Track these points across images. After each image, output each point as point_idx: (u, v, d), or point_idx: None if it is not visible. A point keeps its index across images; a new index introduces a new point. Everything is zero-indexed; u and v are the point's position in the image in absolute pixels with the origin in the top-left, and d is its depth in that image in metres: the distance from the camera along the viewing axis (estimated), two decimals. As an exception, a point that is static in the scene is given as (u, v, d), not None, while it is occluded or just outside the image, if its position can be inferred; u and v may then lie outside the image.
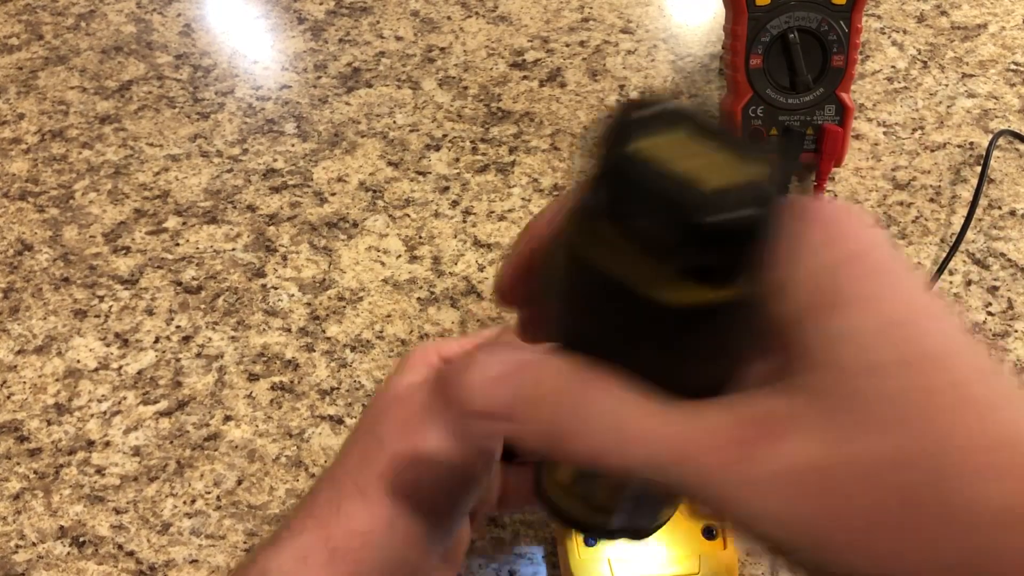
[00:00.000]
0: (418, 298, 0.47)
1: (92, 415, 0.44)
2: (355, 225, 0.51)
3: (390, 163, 0.54)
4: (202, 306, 0.48)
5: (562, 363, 0.18)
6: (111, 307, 0.48)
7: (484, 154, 0.54)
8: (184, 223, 0.52)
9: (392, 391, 0.31)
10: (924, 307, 0.16)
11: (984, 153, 0.50)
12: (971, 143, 0.52)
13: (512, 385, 0.18)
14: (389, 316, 0.47)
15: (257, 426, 0.43)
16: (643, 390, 0.17)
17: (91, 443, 0.43)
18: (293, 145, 0.56)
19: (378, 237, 0.50)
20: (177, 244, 0.51)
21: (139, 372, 0.45)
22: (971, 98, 0.54)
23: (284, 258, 0.50)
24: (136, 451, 0.42)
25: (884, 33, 0.59)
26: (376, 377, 0.44)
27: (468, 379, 0.19)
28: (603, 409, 0.17)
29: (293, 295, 0.48)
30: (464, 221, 0.51)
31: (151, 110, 0.59)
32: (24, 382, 0.45)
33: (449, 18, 0.64)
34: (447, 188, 0.52)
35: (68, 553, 0.39)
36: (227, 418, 0.43)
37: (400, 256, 0.49)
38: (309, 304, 0.47)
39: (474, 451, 0.29)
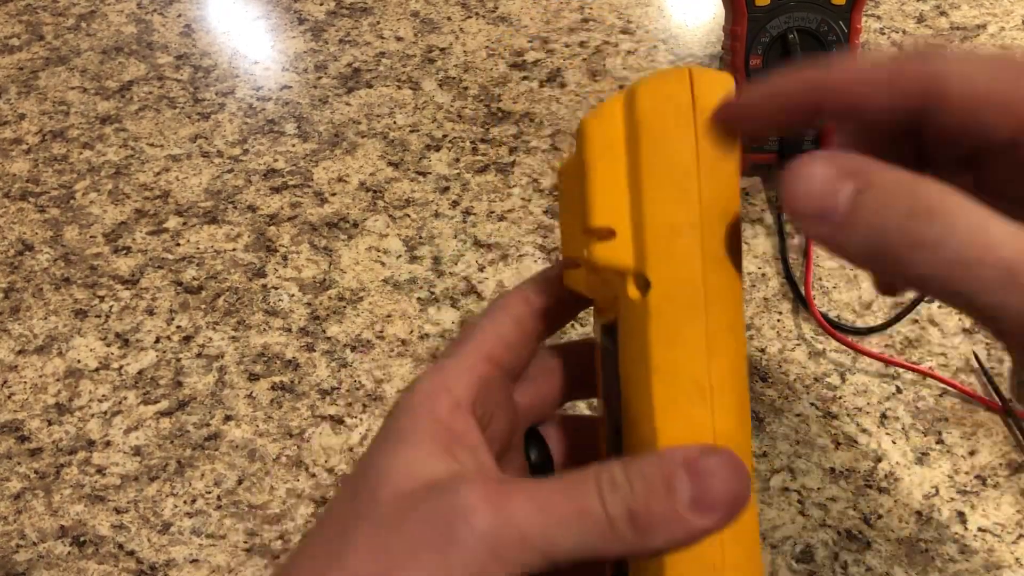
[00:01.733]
0: (418, 298, 0.47)
1: (93, 415, 0.44)
2: (355, 225, 0.51)
3: (390, 163, 0.54)
4: (203, 306, 0.48)
5: (902, 172, 0.17)
6: (112, 307, 0.48)
7: (484, 154, 0.54)
8: (185, 223, 0.52)
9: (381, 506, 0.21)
10: None
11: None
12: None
13: (853, 183, 0.17)
14: (389, 316, 0.47)
15: (257, 426, 0.43)
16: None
17: (92, 443, 0.43)
18: (293, 145, 0.56)
19: (378, 237, 0.50)
20: (178, 244, 0.51)
21: (140, 372, 0.45)
22: (971, 98, 0.54)
23: (284, 258, 0.50)
24: (137, 451, 0.42)
25: (883, 33, 0.59)
26: (376, 377, 0.44)
27: (799, 179, 0.18)
28: (965, 221, 0.16)
29: (293, 295, 0.48)
30: (464, 221, 0.51)
31: (152, 110, 0.59)
32: (25, 382, 0.45)
33: (449, 19, 0.64)
34: (447, 188, 0.52)
35: (69, 553, 0.39)
36: (227, 418, 0.43)
37: (400, 256, 0.49)
38: (309, 304, 0.47)
39: None
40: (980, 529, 0.37)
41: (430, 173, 0.53)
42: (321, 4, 0.66)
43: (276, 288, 0.48)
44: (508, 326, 0.25)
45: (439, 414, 0.22)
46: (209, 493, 0.41)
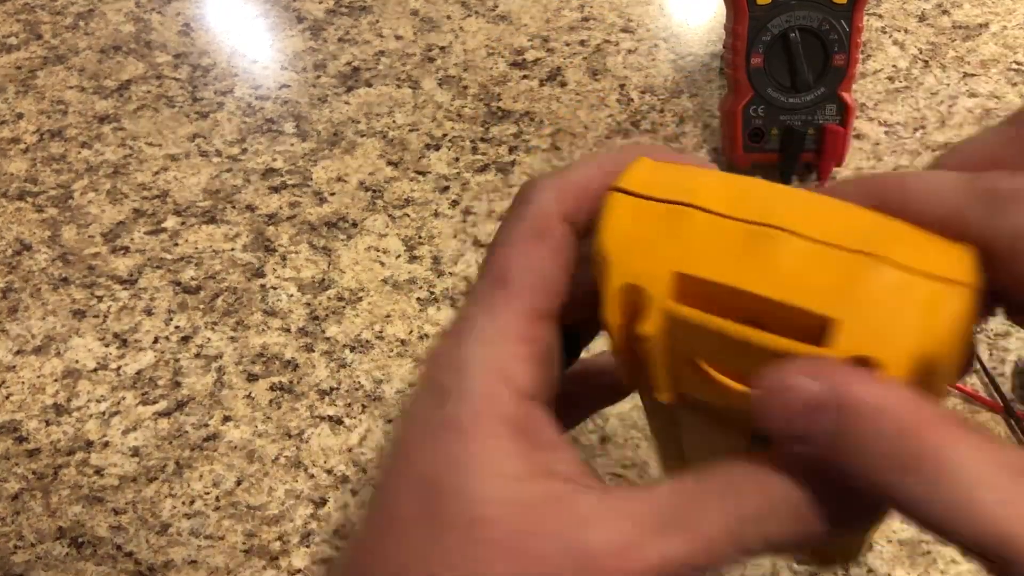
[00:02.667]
0: (418, 298, 0.47)
1: (91, 415, 0.44)
2: (355, 225, 0.51)
3: (390, 163, 0.54)
4: (201, 306, 0.48)
5: (903, 392, 0.15)
6: (110, 307, 0.48)
7: (484, 154, 0.54)
8: (183, 223, 0.52)
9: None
10: None
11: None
12: (972, 143, 0.52)
13: (835, 410, 0.15)
14: (389, 316, 0.46)
15: (256, 426, 0.43)
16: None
17: (90, 443, 0.43)
18: (292, 145, 0.56)
19: (378, 237, 0.50)
20: (176, 244, 0.51)
21: (138, 372, 0.45)
22: (972, 98, 0.54)
23: (283, 258, 0.50)
24: (135, 451, 0.42)
25: (885, 32, 0.59)
26: (376, 377, 0.44)
27: (774, 402, 0.16)
28: (953, 479, 0.15)
29: (292, 295, 0.48)
30: (464, 221, 0.50)
31: (150, 109, 0.59)
32: (23, 382, 0.45)
33: (449, 17, 0.64)
34: (447, 188, 0.52)
35: (67, 554, 0.39)
36: (226, 418, 0.43)
37: (400, 256, 0.49)
38: (308, 304, 0.47)
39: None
40: (982, 530, 0.37)
41: (430, 172, 0.53)
42: (320, 3, 0.66)
43: (275, 288, 0.48)
44: (548, 260, 0.20)
45: (505, 411, 0.18)
46: (208, 494, 0.40)
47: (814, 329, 0.17)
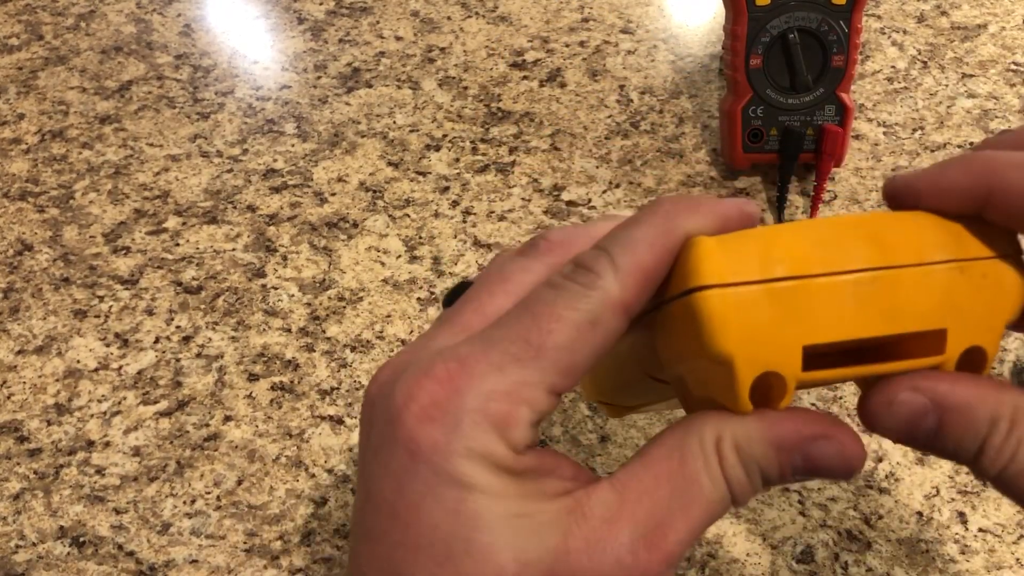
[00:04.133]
0: (418, 298, 0.47)
1: (92, 415, 0.44)
2: (355, 225, 0.51)
3: (390, 163, 0.54)
4: (202, 306, 0.48)
5: (980, 388, 0.19)
6: (111, 307, 0.48)
7: (484, 154, 0.54)
8: (184, 223, 0.52)
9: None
10: None
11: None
12: (971, 143, 0.52)
13: (934, 416, 0.19)
14: (389, 316, 0.47)
15: (257, 426, 0.43)
16: None
17: (91, 443, 0.43)
18: (293, 145, 0.56)
19: (378, 237, 0.50)
20: (177, 244, 0.51)
21: (139, 372, 0.45)
22: (971, 98, 0.54)
23: (284, 258, 0.50)
24: (136, 451, 0.42)
25: (884, 33, 0.59)
26: (376, 377, 0.44)
27: (886, 415, 0.19)
28: None
29: (293, 295, 0.48)
30: (464, 221, 0.51)
31: (151, 110, 0.59)
32: (24, 382, 0.45)
33: (449, 18, 0.64)
34: (447, 188, 0.52)
35: (68, 553, 0.39)
36: (227, 418, 0.43)
37: (400, 256, 0.49)
38: (309, 304, 0.47)
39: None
40: (980, 530, 0.37)
41: (430, 173, 0.53)
42: (321, 3, 0.66)
43: (276, 288, 0.48)
44: (594, 350, 0.19)
45: (502, 464, 0.18)
46: (209, 493, 0.41)
47: (925, 340, 0.19)
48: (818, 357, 0.19)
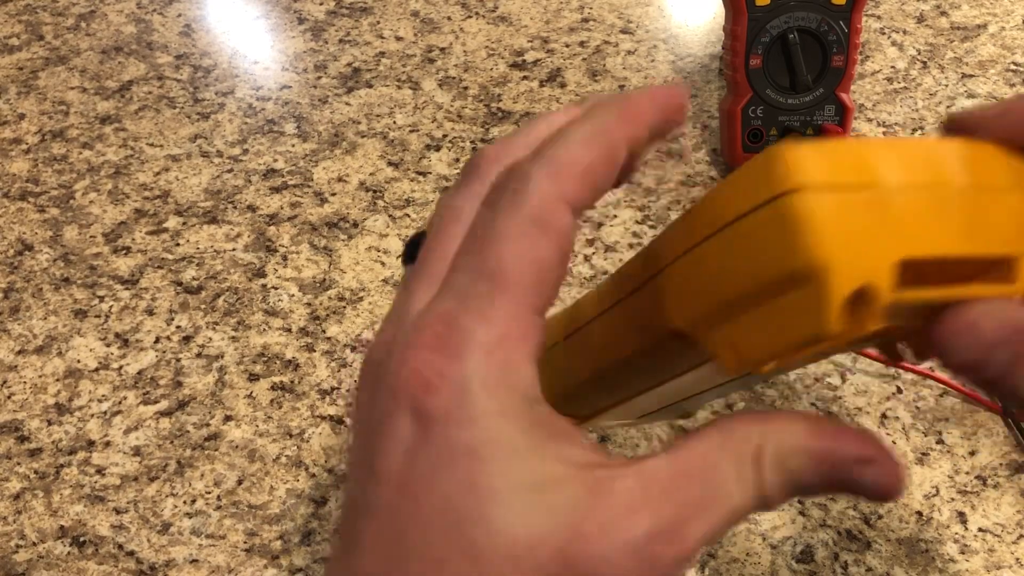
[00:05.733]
0: (418, 298, 0.47)
1: (92, 415, 0.44)
2: (355, 225, 0.51)
3: (390, 163, 0.54)
4: (202, 306, 0.48)
5: None
6: (111, 307, 0.48)
7: (484, 154, 0.54)
8: (184, 223, 0.52)
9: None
10: None
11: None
12: (971, 143, 0.52)
13: (1009, 349, 0.17)
14: (389, 316, 0.47)
15: (257, 426, 0.43)
16: None
17: (91, 443, 0.43)
18: (293, 145, 0.56)
19: (378, 237, 0.50)
20: (177, 244, 0.51)
21: (139, 372, 0.45)
22: (971, 98, 0.54)
23: (284, 258, 0.50)
24: (136, 451, 0.42)
25: (884, 33, 0.59)
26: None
27: (959, 341, 0.18)
28: None
29: (293, 295, 0.48)
30: (464, 221, 0.51)
31: (151, 110, 0.59)
32: (24, 382, 0.45)
33: (449, 18, 0.64)
34: (447, 188, 0.52)
35: (68, 553, 0.39)
36: (227, 418, 0.43)
37: (400, 256, 0.49)
38: (309, 304, 0.47)
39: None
40: (980, 529, 0.37)
41: (430, 173, 0.53)
42: (321, 4, 0.66)
43: (276, 288, 0.48)
44: (553, 254, 0.18)
45: (519, 425, 0.17)
46: (209, 493, 0.41)
47: (999, 267, 0.18)
48: (915, 276, 0.18)
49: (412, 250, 0.21)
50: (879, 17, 0.60)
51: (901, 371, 0.42)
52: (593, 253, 0.48)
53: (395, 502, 0.18)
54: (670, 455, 0.18)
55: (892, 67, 0.57)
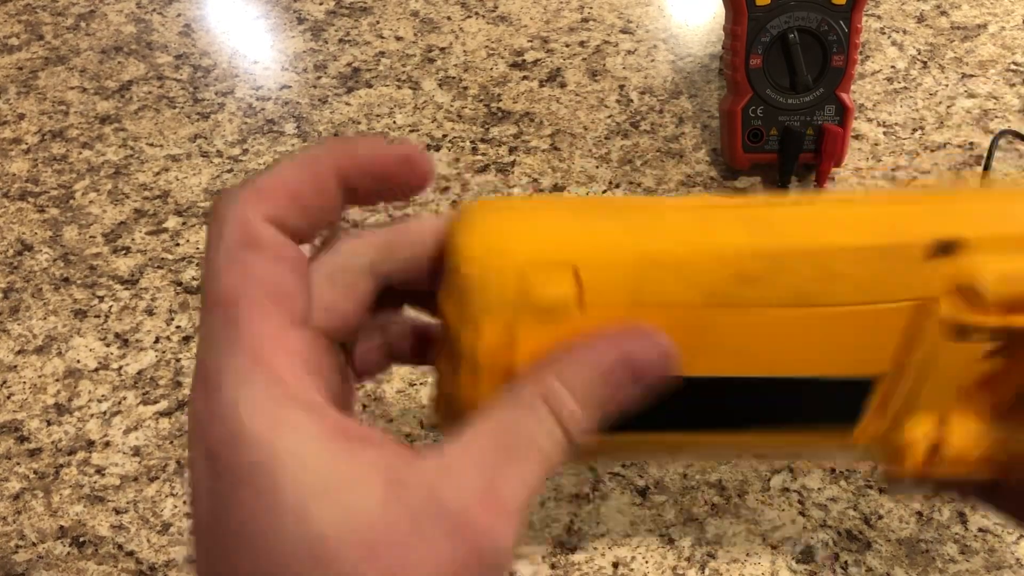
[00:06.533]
0: (418, 298, 0.47)
1: (92, 415, 0.44)
2: (355, 225, 0.51)
3: (390, 163, 0.54)
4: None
5: None
6: (111, 307, 0.48)
7: (484, 154, 0.54)
8: (184, 223, 0.52)
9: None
10: None
11: (984, 153, 0.50)
12: (971, 143, 0.52)
13: None
14: (389, 316, 0.47)
15: (257, 426, 0.43)
16: None
17: (91, 443, 0.43)
18: (293, 145, 0.56)
19: (378, 237, 0.50)
20: (177, 244, 0.51)
21: (139, 372, 0.45)
22: (971, 98, 0.54)
23: (284, 258, 0.50)
24: (136, 451, 0.42)
25: (884, 33, 0.59)
26: (376, 377, 0.44)
27: None
28: None
29: (293, 295, 0.48)
30: (464, 221, 0.51)
31: (151, 110, 0.59)
32: (24, 382, 0.45)
33: (449, 18, 0.64)
34: (447, 188, 0.52)
35: (68, 553, 0.39)
36: (227, 418, 0.43)
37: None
38: (309, 304, 0.47)
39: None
40: (980, 529, 0.37)
41: (430, 173, 0.53)
42: (321, 4, 0.66)
43: (276, 288, 0.48)
44: (272, 267, 0.19)
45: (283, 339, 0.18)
46: (209, 493, 0.41)
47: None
48: None
49: None
50: (879, 17, 0.60)
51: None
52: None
53: (207, 543, 0.18)
54: (467, 429, 0.18)
55: (892, 67, 0.57)
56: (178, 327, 0.47)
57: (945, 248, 0.18)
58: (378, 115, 0.57)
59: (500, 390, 0.19)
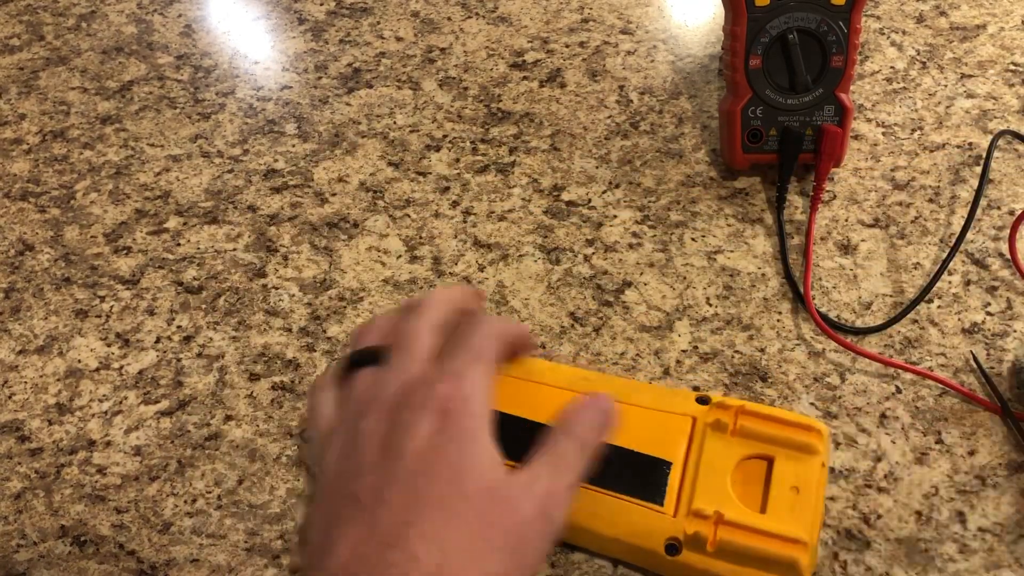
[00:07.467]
0: (418, 298, 0.47)
1: (93, 415, 0.44)
2: (355, 225, 0.51)
3: (390, 163, 0.54)
4: (203, 306, 0.48)
5: None
6: (112, 307, 0.48)
7: (484, 154, 0.54)
8: (185, 223, 0.52)
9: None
10: None
11: (983, 153, 0.51)
12: (970, 143, 0.52)
13: None
14: (389, 316, 0.47)
15: (258, 426, 0.43)
16: None
17: (92, 443, 0.43)
18: (294, 145, 0.56)
19: (378, 237, 0.50)
20: (178, 244, 0.51)
21: (140, 372, 0.45)
22: (970, 98, 0.54)
23: (285, 258, 0.50)
24: (137, 451, 0.42)
25: (883, 34, 0.59)
26: (376, 377, 0.44)
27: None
28: None
29: (294, 295, 0.48)
30: (464, 221, 0.51)
31: (152, 111, 0.59)
32: (25, 382, 0.45)
33: (449, 19, 0.64)
34: (447, 188, 0.52)
35: (69, 552, 0.39)
36: (228, 418, 0.43)
37: (400, 256, 0.49)
38: (310, 304, 0.48)
39: None
40: (980, 529, 0.37)
41: (430, 173, 0.53)
42: (321, 4, 0.66)
43: (276, 288, 0.48)
44: (494, 353, 0.35)
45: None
46: (209, 493, 0.41)
47: None
48: None
49: (363, 356, 0.35)
50: (879, 17, 0.60)
51: (900, 371, 0.42)
52: (593, 253, 0.48)
53: (416, 467, 0.30)
54: (539, 453, 0.33)
55: (891, 67, 0.57)
56: (179, 327, 0.47)
57: (703, 400, 0.38)
58: (378, 115, 0.57)
59: (551, 428, 0.34)
